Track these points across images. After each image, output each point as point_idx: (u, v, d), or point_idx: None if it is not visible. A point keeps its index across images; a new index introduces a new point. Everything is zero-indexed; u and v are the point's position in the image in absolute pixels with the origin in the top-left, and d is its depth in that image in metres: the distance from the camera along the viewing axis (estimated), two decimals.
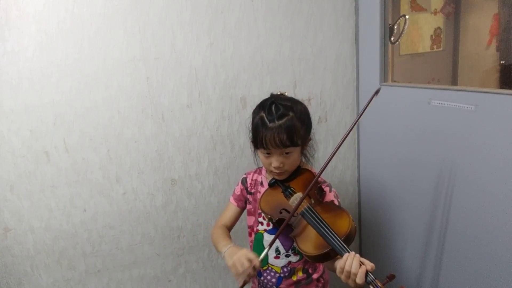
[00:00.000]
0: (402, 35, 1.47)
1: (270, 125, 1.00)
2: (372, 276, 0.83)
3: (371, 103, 0.97)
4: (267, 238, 1.14)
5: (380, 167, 1.54)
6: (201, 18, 1.32)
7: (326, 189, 1.12)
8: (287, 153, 1.04)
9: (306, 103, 1.51)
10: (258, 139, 1.03)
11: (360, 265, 0.84)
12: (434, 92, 1.20)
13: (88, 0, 1.21)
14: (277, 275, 1.15)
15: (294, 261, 1.14)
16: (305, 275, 1.16)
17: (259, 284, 1.21)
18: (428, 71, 1.82)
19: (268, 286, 1.17)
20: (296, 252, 1.13)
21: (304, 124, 1.06)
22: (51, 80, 1.24)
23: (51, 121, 1.27)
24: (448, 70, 1.86)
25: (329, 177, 1.64)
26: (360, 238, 1.77)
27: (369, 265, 0.84)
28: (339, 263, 0.87)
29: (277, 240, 1.12)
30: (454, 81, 1.84)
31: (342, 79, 1.54)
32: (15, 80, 1.21)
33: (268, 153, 1.05)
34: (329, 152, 1.60)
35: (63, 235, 1.38)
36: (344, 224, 0.92)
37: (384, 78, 1.44)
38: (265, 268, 1.17)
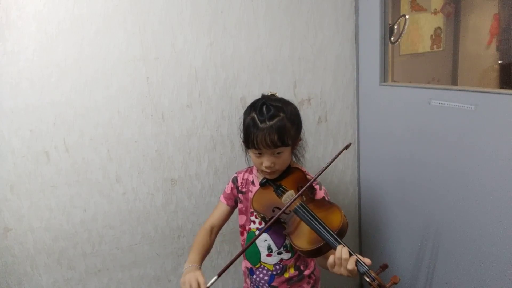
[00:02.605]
0: (402, 35, 1.47)
1: (261, 125, 1.02)
2: (366, 267, 0.85)
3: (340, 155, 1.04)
4: (260, 236, 1.16)
5: (380, 167, 1.54)
6: (201, 18, 1.32)
7: (316, 187, 1.15)
8: (278, 153, 1.06)
9: (306, 103, 1.52)
10: (250, 140, 1.05)
11: (350, 255, 0.87)
12: (434, 92, 1.20)
13: (88, 0, 1.21)
14: (269, 272, 1.17)
15: (286, 258, 1.16)
16: (296, 272, 1.18)
17: (251, 283, 1.23)
18: (428, 71, 1.83)
19: (261, 284, 1.19)
20: (288, 249, 1.15)
21: (294, 125, 1.08)
22: (51, 80, 1.24)
23: (51, 121, 1.27)
24: (448, 70, 1.86)
25: (329, 177, 1.64)
26: (360, 237, 1.77)
27: (365, 260, 0.87)
28: (332, 255, 0.89)
29: (269, 238, 1.15)
30: (454, 81, 1.84)
31: (342, 79, 1.54)
32: (15, 80, 1.21)
33: (259, 153, 1.07)
34: (329, 152, 1.61)
35: (63, 235, 1.38)
36: (336, 219, 0.94)
37: (384, 78, 1.44)
38: (257, 266, 1.18)
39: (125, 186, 1.40)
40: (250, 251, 1.18)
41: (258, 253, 1.17)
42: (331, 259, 0.89)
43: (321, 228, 0.93)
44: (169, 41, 1.31)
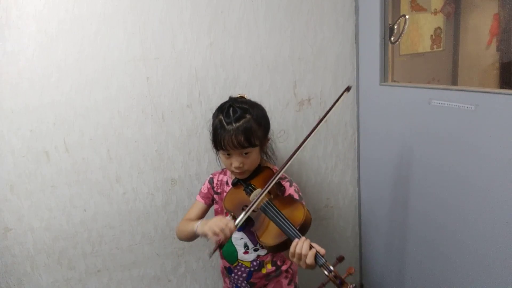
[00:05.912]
0: (402, 35, 1.47)
1: (228, 127, 1.06)
2: (323, 259, 0.89)
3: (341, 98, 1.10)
4: (235, 235, 1.19)
5: (380, 167, 1.54)
6: (201, 18, 1.32)
7: (286, 184, 1.18)
8: (246, 153, 1.09)
9: (306, 103, 1.52)
10: (217, 141, 1.08)
11: (310, 248, 0.90)
12: (434, 92, 1.20)
13: (88, 0, 1.21)
14: (247, 269, 1.20)
15: (263, 254, 1.19)
16: (274, 267, 1.21)
17: (230, 281, 1.26)
18: (428, 71, 1.82)
19: (239, 281, 1.22)
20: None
21: (261, 126, 1.12)
22: (51, 80, 1.24)
23: (51, 121, 1.27)
24: (448, 70, 1.86)
25: (329, 177, 1.64)
26: (360, 237, 1.77)
27: (320, 250, 0.91)
28: (291, 247, 0.93)
29: (245, 236, 1.18)
30: (454, 81, 1.84)
31: (342, 79, 1.54)
32: (15, 80, 1.21)
33: (228, 154, 1.10)
34: (329, 152, 1.61)
35: (63, 235, 1.38)
36: (299, 215, 0.99)
37: (384, 78, 1.44)
38: (235, 264, 1.21)
39: (125, 186, 1.40)
40: (227, 250, 1.21)
41: (235, 251, 1.20)
42: (291, 251, 0.93)
43: (284, 223, 0.97)
44: (169, 41, 1.31)
